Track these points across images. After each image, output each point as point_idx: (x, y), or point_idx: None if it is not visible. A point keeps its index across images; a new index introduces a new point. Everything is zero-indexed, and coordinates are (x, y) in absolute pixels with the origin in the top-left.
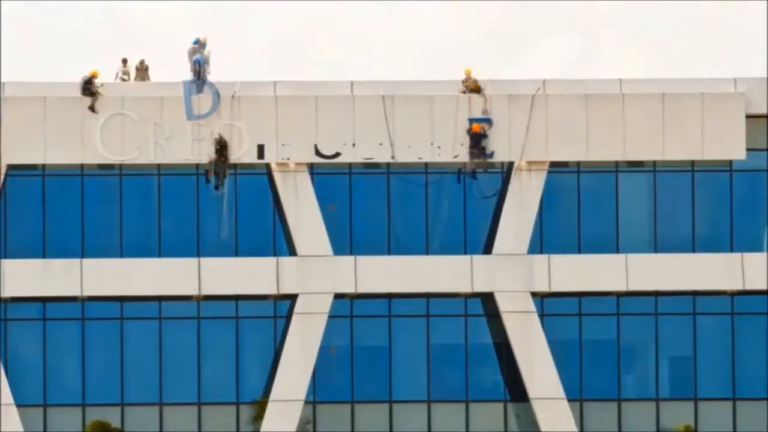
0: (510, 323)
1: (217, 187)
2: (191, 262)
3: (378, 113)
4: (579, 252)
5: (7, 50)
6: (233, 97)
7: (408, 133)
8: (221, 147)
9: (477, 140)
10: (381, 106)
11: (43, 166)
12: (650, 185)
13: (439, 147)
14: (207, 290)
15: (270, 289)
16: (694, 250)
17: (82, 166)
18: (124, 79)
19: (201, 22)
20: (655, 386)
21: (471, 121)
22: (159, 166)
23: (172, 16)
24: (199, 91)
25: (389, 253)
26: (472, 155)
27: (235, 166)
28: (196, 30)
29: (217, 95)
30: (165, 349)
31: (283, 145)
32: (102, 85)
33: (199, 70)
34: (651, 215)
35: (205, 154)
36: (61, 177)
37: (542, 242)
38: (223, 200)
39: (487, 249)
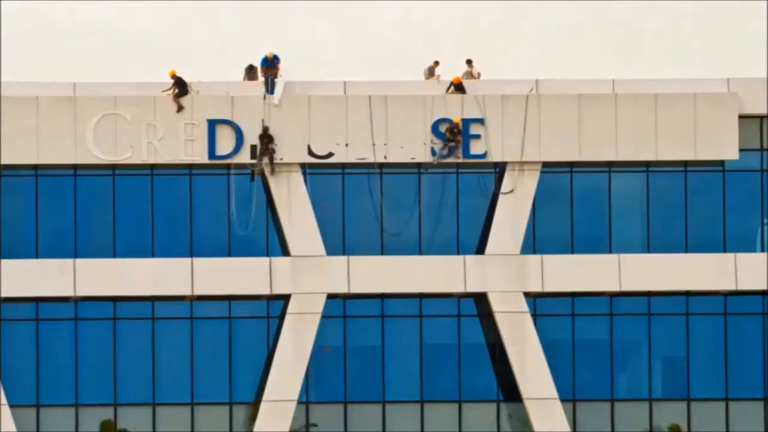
0: (503, 323)
1: (253, 178)
2: (184, 262)
3: (371, 113)
4: (572, 252)
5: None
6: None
7: (401, 133)
8: (265, 136)
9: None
10: (373, 107)
11: (36, 166)
12: (643, 185)
13: (432, 147)
14: (200, 290)
15: (263, 290)
16: (687, 251)
17: (75, 166)
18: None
19: (199, 23)
20: (648, 386)
21: (465, 121)
22: (152, 166)
23: (173, 17)
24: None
25: (382, 253)
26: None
27: (229, 165)
28: (191, 31)
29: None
30: (158, 349)
31: (276, 144)
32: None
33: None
34: (644, 215)
35: (198, 154)
36: (54, 177)
37: (535, 242)
38: (253, 194)
39: (480, 249)
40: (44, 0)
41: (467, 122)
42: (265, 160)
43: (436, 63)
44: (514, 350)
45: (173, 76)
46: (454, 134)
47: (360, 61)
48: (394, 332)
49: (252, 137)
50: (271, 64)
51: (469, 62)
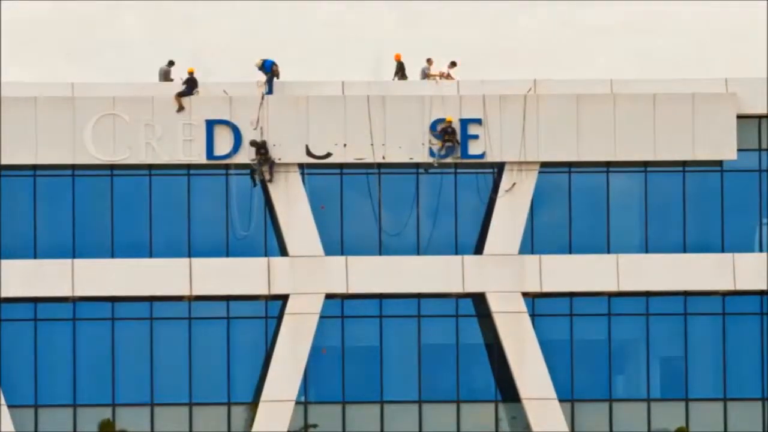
0: (501, 323)
1: (255, 184)
2: (182, 262)
3: (369, 113)
4: (570, 252)
5: None
6: (229, 97)
7: (399, 133)
8: (259, 146)
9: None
10: (372, 107)
11: (34, 166)
12: (641, 185)
13: (430, 147)
14: (198, 290)
15: (261, 290)
16: (685, 251)
17: (73, 166)
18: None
19: (196, 22)
20: (647, 387)
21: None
22: (150, 166)
23: (164, 17)
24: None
25: (380, 253)
26: (447, 149)
27: (227, 166)
28: (188, 31)
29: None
30: (156, 349)
31: (275, 145)
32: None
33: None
34: (642, 215)
35: (196, 154)
36: (53, 177)
37: (533, 242)
38: (252, 195)
39: (479, 249)
40: (41, 0)
41: (465, 122)
42: (265, 167)
43: (430, 61)
44: (513, 350)
45: (191, 73)
46: (448, 134)
47: (358, 61)
48: (392, 332)
49: (250, 137)
50: (267, 70)
51: (453, 64)
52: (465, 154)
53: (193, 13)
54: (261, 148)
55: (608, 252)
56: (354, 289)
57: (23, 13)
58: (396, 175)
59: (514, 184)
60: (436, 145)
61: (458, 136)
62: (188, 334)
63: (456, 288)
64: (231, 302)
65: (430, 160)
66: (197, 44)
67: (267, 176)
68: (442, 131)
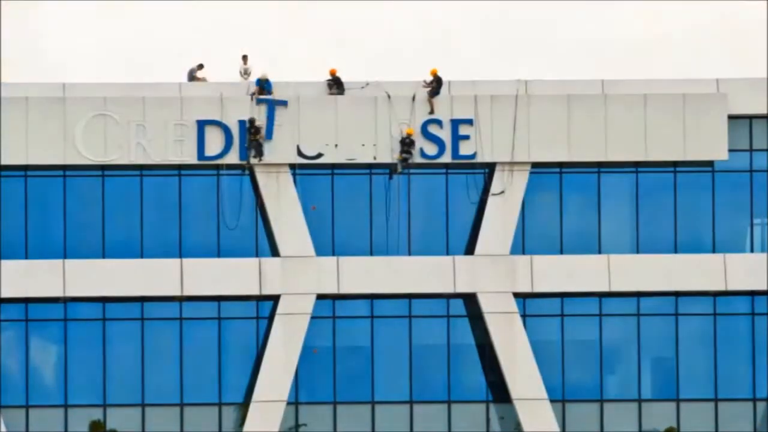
0: (492, 324)
1: (247, 163)
2: (174, 262)
3: (360, 114)
4: (561, 253)
5: None
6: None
7: (390, 134)
8: (252, 126)
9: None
10: (363, 107)
11: (26, 166)
12: (632, 186)
13: (421, 148)
14: (189, 291)
15: (252, 290)
16: (676, 251)
17: (64, 166)
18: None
19: (189, 22)
20: (638, 387)
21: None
22: (141, 166)
23: (161, 18)
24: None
25: (372, 253)
26: (405, 158)
27: (218, 166)
28: (182, 30)
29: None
30: (147, 349)
31: (263, 137)
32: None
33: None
34: (633, 216)
35: (187, 154)
36: (44, 178)
37: (524, 243)
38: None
39: (470, 249)
40: (35, 0)
41: (456, 123)
42: (253, 152)
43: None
44: (504, 351)
45: (333, 74)
46: (406, 144)
47: (352, 62)
48: (383, 333)
49: (240, 137)
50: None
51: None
52: (456, 154)
53: (185, 11)
54: (252, 128)
55: (599, 252)
56: (345, 290)
57: (16, 12)
58: (387, 175)
59: (503, 191)
60: (397, 161)
61: (414, 148)
62: (179, 334)
63: (447, 288)
64: (222, 303)
65: (421, 160)
66: (191, 44)
67: (255, 160)
68: (401, 142)
